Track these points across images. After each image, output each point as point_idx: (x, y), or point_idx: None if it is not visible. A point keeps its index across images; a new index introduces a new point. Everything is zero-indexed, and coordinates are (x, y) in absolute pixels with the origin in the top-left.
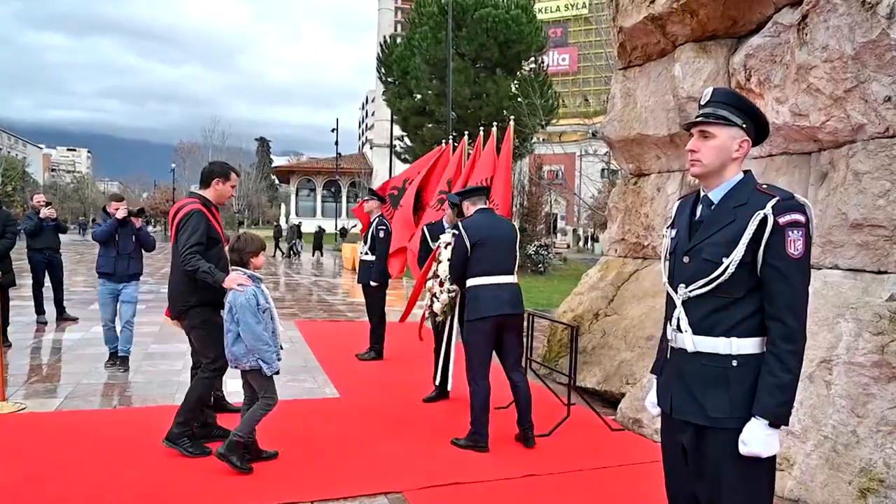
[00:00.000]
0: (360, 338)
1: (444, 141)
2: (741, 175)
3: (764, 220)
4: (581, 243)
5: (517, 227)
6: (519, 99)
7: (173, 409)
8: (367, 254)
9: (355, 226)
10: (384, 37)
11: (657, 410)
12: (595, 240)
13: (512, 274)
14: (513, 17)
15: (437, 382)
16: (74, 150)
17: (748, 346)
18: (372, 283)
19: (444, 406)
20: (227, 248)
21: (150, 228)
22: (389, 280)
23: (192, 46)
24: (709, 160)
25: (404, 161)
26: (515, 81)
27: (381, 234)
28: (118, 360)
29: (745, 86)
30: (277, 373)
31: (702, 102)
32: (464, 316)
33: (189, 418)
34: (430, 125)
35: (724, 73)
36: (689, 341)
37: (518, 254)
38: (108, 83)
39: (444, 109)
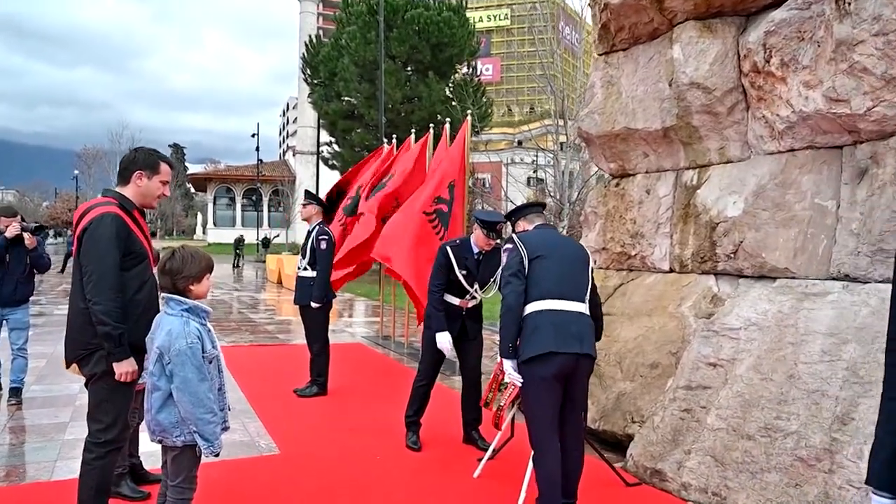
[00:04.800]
0: (298, 366)
1: (384, 144)
2: None
3: None
4: None
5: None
6: (454, 103)
7: (50, 487)
8: (306, 269)
9: (278, 235)
10: (309, 36)
11: None
12: None
13: (583, 302)
14: (444, 20)
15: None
16: None
17: None
18: (313, 305)
19: (417, 459)
20: (156, 269)
21: (49, 240)
22: (334, 300)
23: (84, 48)
24: None
25: (332, 167)
26: (449, 86)
27: (323, 246)
28: (10, 393)
29: (763, 68)
30: (217, 455)
31: None
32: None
33: None
34: (359, 130)
35: (734, 55)
36: None
37: (592, 281)
38: None
39: (374, 113)
